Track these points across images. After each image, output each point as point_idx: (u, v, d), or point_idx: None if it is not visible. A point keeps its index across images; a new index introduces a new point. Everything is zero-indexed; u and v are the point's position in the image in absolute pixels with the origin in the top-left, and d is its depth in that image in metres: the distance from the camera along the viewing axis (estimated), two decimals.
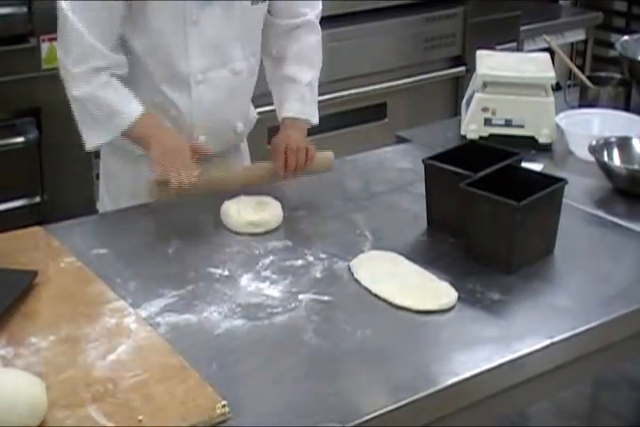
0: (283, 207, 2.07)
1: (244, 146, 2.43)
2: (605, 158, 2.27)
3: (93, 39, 2.02)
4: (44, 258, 1.87)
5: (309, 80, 2.27)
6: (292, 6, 2.26)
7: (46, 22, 2.90)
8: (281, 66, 2.28)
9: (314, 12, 2.30)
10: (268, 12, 2.24)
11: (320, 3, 2.33)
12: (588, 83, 2.64)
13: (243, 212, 2.03)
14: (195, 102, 2.15)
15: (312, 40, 2.30)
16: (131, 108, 2.06)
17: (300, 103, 2.25)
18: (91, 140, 2.11)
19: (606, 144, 2.31)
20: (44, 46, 2.92)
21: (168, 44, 2.08)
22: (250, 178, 2.19)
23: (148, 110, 2.10)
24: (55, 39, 2.92)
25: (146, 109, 2.08)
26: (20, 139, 2.96)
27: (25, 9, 2.88)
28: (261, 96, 2.37)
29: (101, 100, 2.05)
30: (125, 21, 2.07)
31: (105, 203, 2.33)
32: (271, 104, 2.34)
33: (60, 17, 2.06)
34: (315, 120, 2.28)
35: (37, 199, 3.06)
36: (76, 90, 2.06)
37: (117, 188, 2.28)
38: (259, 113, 2.41)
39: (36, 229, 2.00)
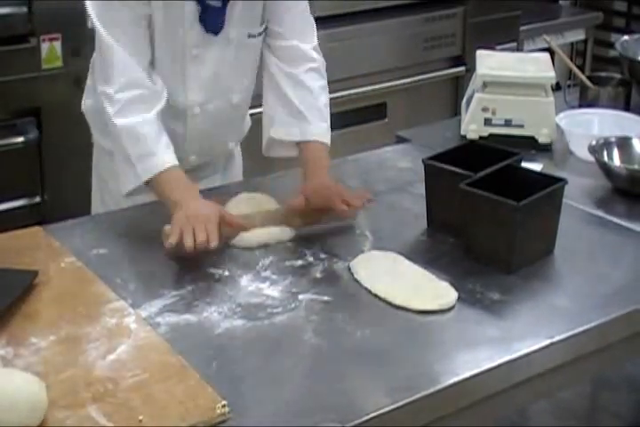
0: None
1: (237, 151, 2.42)
2: (605, 158, 2.27)
3: (136, 64, 1.97)
4: (44, 258, 1.87)
5: (326, 102, 2.18)
6: (297, 50, 2.14)
7: (46, 22, 2.91)
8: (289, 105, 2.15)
9: (312, 43, 2.18)
10: (275, 55, 2.15)
11: (315, 34, 2.19)
12: (588, 83, 2.65)
13: (252, 231, 1.96)
14: (189, 132, 2.15)
15: (325, 98, 2.17)
16: (166, 155, 1.96)
17: (324, 122, 2.13)
18: (124, 185, 2.01)
19: (606, 144, 2.31)
20: (44, 46, 2.92)
21: (166, 78, 2.05)
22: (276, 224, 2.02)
23: None
24: (55, 39, 2.94)
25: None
26: (20, 139, 2.96)
27: (25, 9, 2.88)
28: (260, 96, 2.37)
29: (141, 136, 1.95)
30: None
31: (97, 204, 2.33)
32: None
33: (98, 42, 2.00)
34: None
35: (37, 199, 3.07)
36: (118, 118, 1.96)
37: (107, 188, 2.28)
38: (257, 113, 2.40)
39: (36, 229, 2.00)
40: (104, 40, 1.98)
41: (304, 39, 2.15)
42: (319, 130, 2.13)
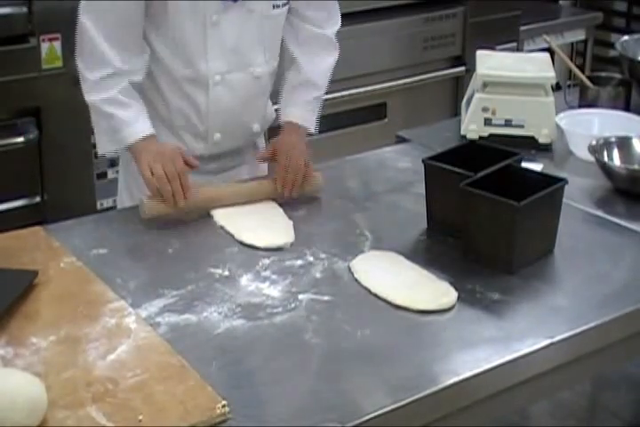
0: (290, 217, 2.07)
1: (261, 142, 2.43)
2: (605, 158, 2.27)
3: (108, 46, 2.04)
4: (44, 258, 1.87)
5: (318, 95, 2.28)
6: (324, 14, 2.26)
7: (46, 22, 2.91)
8: (297, 71, 2.27)
9: (336, 26, 2.31)
10: (295, 14, 2.24)
11: (339, 19, 2.33)
12: (588, 83, 2.64)
13: (256, 238, 1.98)
14: (212, 103, 2.17)
15: (331, 61, 2.30)
16: (134, 128, 2.08)
17: (306, 111, 2.26)
18: (100, 147, 2.14)
19: (606, 144, 2.31)
20: (44, 46, 2.92)
21: (188, 45, 2.10)
22: (246, 196, 2.14)
23: (165, 111, 2.16)
24: (55, 39, 2.94)
25: (162, 111, 2.16)
26: (20, 139, 2.96)
27: (25, 9, 2.88)
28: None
29: (107, 115, 2.07)
30: (146, 22, 2.08)
31: (123, 198, 2.34)
32: (275, 104, 2.34)
33: (78, 24, 2.06)
34: (313, 130, 2.28)
35: (37, 199, 3.06)
36: (87, 96, 2.09)
37: (136, 183, 2.28)
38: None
39: (36, 229, 2.00)
40: (79, 15, 2.05)
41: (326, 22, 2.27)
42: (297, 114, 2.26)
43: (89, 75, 2.06)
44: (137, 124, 2.08)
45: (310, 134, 2.28)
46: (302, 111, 2.26)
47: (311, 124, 2.27)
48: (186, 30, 2.08)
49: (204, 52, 2.11)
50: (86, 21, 2.04)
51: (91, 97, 2.08)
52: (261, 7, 2.13)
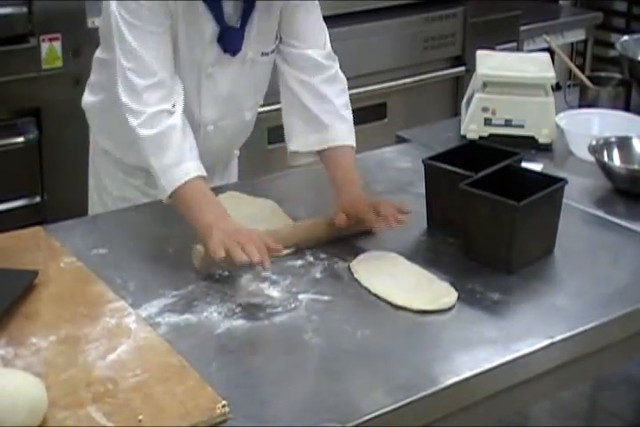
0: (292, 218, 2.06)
1: (234, 163, 2.43)
2: (605, 158, 2.27)
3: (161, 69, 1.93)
4: (44, 258, 1.86)
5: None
6: (312, 59, 2.11)
7: (46, 22, 2.91)
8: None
9: (332, 61, 2.16)
10: (290, 64, 2.13)
11: (327, 40, 2.16)
12: (588, 83, 2.65)
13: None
14: (201, 147, 2.00)
15: (344, 100, 2.14)
16: (191, 164, 1.89)
17: (345, 125, 2.11)
18: (161, 192, 1.92)
19: (606, 144, 2.31)
20: (44, 46, 2.92)
21: (184, 94, 2.00)
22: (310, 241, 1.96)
23: None
24: (55, 39, 2.94)
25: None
26: (20, 139, 2.96)
27: (25, 9, 2.88)
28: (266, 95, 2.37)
29: (165, 146, 1.90)
30: None
31: (94, 203, 2.32)
32: (271, 104, 2.33)
33: (120, 45, 1.93)
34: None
35: (37, 199, 3.06)
36: (143, 129, 1.91)
37: (105, 192, 2.28)
38: (259, 113, 2.40)
39: (36, 229, 2.00)
40: (129, 45, 1.91)
41: (317, 47, 2.12)
42: (337, 133, 2.09)
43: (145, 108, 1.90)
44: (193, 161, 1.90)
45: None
46: (342, 125, 2.10)
47: (348, 137, 2.12)
48: (182, 81, 2.00)
49: (198, 101, 2.08)
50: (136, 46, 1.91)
51: (146, 131, 1.89)
52: (252, 57, 2.09)
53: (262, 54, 2.11)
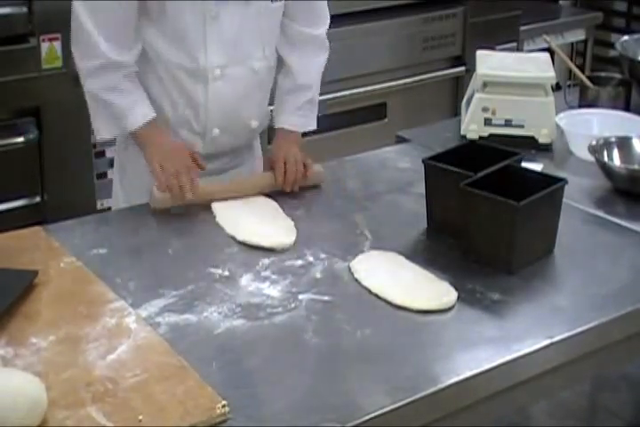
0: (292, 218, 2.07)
1: (257, 143, 2.44)
2: (605, 158, 2.27)
3: (103, 40, 2.05)
4: (44, 258, 1.86)
5: (310, 97, 2.30)
6: (313, 14, 2.28)
7: (46, 22, 2.91)
8: (286, 75, 2.30)
9: (324, 26, 2.32)
10: (284, 15, 2.24)
11: (328, 19, 2.34)
12: (588, 83, 2.64)
13: (259, 238, 1.98)
14: (211, 97, 2.16)
15: (322, 60, 2.33)
16: (134, 114, 2.11)
17: (298, 117, 2.30)
18: (99, 133, 2.16)
19: (606, 144, 2.31)
20: (44, 46, 2.92)
21: (187, 38, 2.10)
22: (250, 189, 2.18)
23: (162, 105, 2.16)
24: (55, 39, 2.94)
25: (159, 105, 2.16)
26: (20, 139, 2.96)
27: (25, 9, 2.88)
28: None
29: (107, 102, 2.10)
30: (144, 17, 2.09)
31: (119, 199, 2.33)
32: (271, 104, 2.34)
33: (72, 13, 2.08)
34: (311, 128, 2.33)
35: (37, 199, 3.06)
36: (86, 85, 2.11)
37: (131, 184, 2.29)
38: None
39: (36, 229, 2.00)
40: (74, 6, 2.06)
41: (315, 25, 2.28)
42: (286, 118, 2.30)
43: (83, 64, 2.09)
44: (136, 109, 2.11)
45: (311, 132, 2.31)
46: (294, 117, 2.29)
47: (304, 127, 2.31)
48: (185, 24, 2.08)
49: (204, 45, 2.11)
50: (81, 12, 2.05)
51: (89, 85, 2.10)
52: (258, 1, 2.13)
53: (272, 0, 2.16)
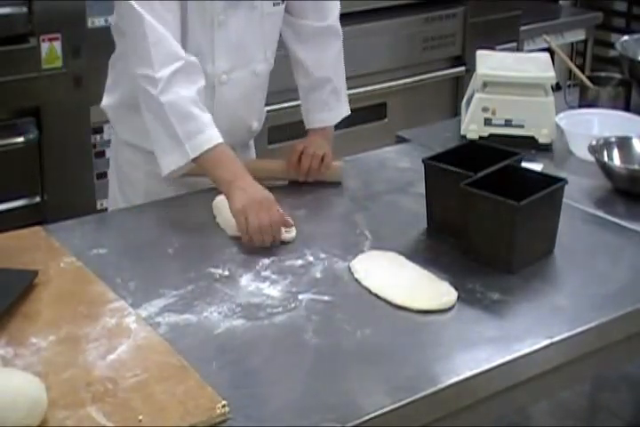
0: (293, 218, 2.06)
1: (252, 142, 2.44)
2: (605, 158, 2.27)
3: (176, 42, 1.99)
4: (44, 258, 1.86)
5: (333, 87, 2.31)
6: (323, 7, 2.28)
7: (46, 22, 2.91)
8: (304, 74, 2.31)
9: (335, 13, 2.32)
10: (291, 13, 2.25)
11: (339, 3, 2.34)
12: (588, 83, 2.64)
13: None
14: (217, 102, 2.16)
15: (336, 49, 2.32)
16: (213, 131, 1.99)
17: (325, 112, 2.31)
18: (166, 165, 2.01)
19: (606, 144, 2.31)
20: (44, 46, 2.92)
21: (196, 46, 2.08)
22: (262, 172, 2.14)
23: None
24: (55, 39, 2.94)
25: None
26: (20, 139, 2.96)
27: (25, 9, 2.88)
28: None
29: (188, 114, 1.97)
30: None
31: (117, 199, 2.32)
32: (271, 104, 2.35)
33: (131, 23, 2.00)
34: (343, 116, 2.36)
35: (37, 199, 3.07)
36: (164, 95, 1.96)
37: (131, 187, 2.28)
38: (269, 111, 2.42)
39: (36, 229, 2.00)
40: (136, 16, 1.96)
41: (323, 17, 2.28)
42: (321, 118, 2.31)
43: (160, 74, 1.95)
44: (213, 129, 2.00)
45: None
46: (322, 114, 2.31)
47: (335, 119, 2.33)
48: (194, 31, 2.07)
49: (211, 52, 2.11)
50: (145, 17, 1.96)
51: (167, 95, 1.96)
52: (262, 4, 2.14)
53: (274, 4, 2.16)
